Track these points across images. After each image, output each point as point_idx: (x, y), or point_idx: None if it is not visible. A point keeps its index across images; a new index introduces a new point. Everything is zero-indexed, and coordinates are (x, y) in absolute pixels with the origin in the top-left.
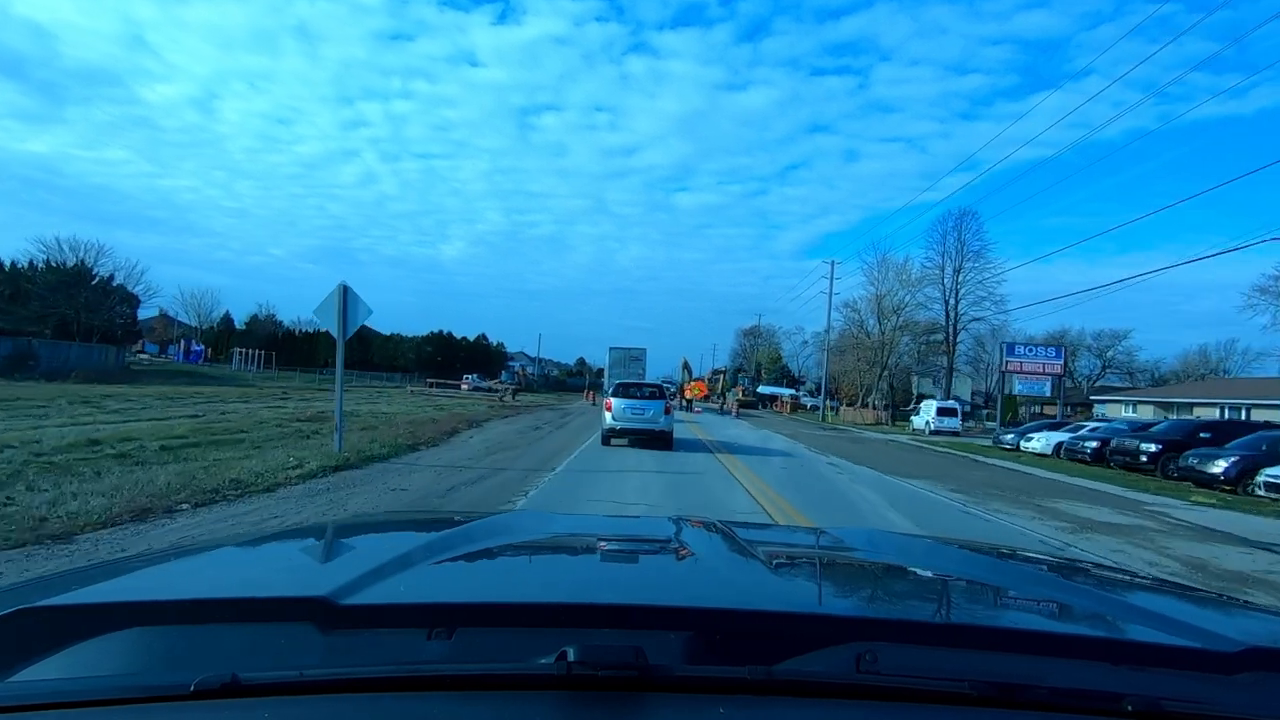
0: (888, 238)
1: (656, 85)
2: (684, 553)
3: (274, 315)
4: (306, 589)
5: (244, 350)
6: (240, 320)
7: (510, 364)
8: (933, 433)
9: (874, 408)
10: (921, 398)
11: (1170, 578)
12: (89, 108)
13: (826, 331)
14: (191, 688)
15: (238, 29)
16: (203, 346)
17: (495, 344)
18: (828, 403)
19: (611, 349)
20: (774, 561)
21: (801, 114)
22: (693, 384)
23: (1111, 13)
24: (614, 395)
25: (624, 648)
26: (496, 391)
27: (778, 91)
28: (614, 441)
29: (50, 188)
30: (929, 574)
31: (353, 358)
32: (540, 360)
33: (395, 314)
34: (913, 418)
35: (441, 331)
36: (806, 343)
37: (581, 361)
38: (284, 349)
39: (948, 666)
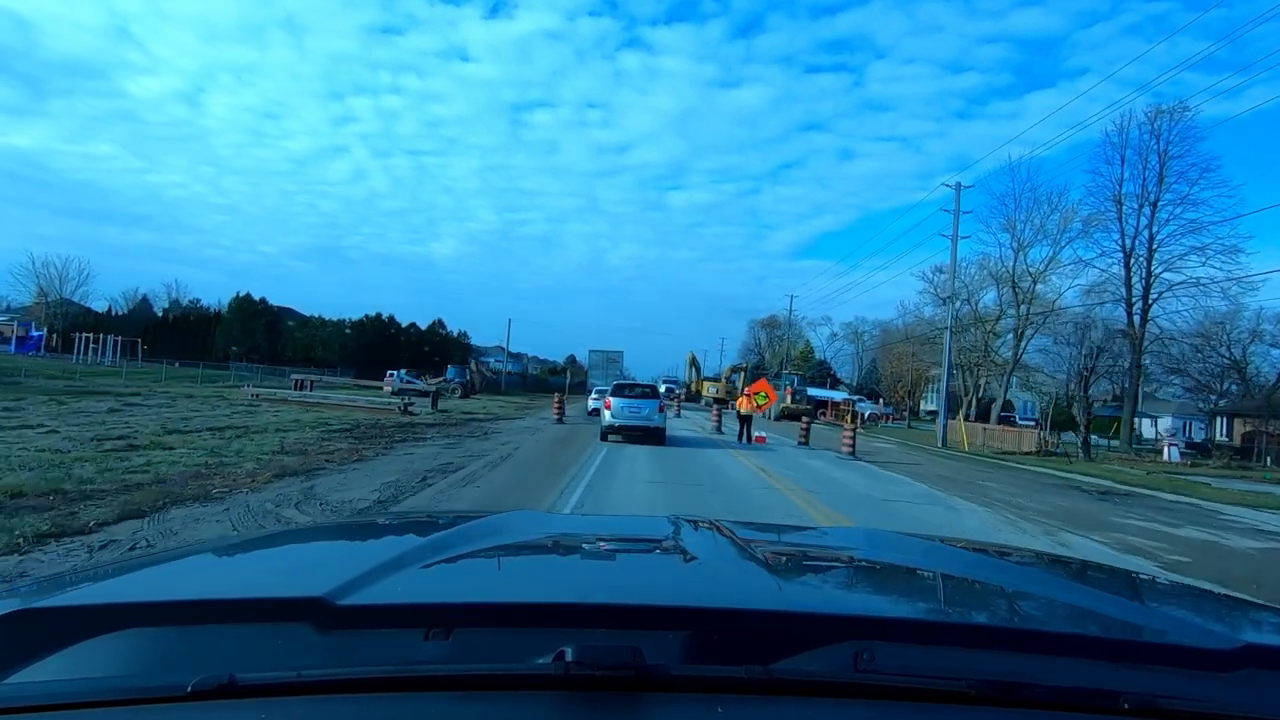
0: (1027, 159)
1: (650, 82)
2: (682, 552)
3: (199, 300)
4: (303, 589)
5: (97, 337)
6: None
7: (483, 359)
8: None
9: (1038, 428)
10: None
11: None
12: (71, 100)
13: (950, 300)
14: (189, 689)
15: (224, 21)
16: (42, 332)
17: (456, 333)
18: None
19: (591, 351)
20: (772, 561)
21: (795, 112)
22: (746, 387)
23: (1108, 11)
24: (612, 395)
25: (621, 648)
26: (424, 395)
27: (771, 89)
28: (610, 438)
29: (35, 183)
30: (927, 573)
31: (255, 347)
32: (520, 356)
33: (380, 310)
34: None
35: (378, 316)
36: (836, 335)
37: (572, 359)
38: (174, 335)
39: (945, 665)
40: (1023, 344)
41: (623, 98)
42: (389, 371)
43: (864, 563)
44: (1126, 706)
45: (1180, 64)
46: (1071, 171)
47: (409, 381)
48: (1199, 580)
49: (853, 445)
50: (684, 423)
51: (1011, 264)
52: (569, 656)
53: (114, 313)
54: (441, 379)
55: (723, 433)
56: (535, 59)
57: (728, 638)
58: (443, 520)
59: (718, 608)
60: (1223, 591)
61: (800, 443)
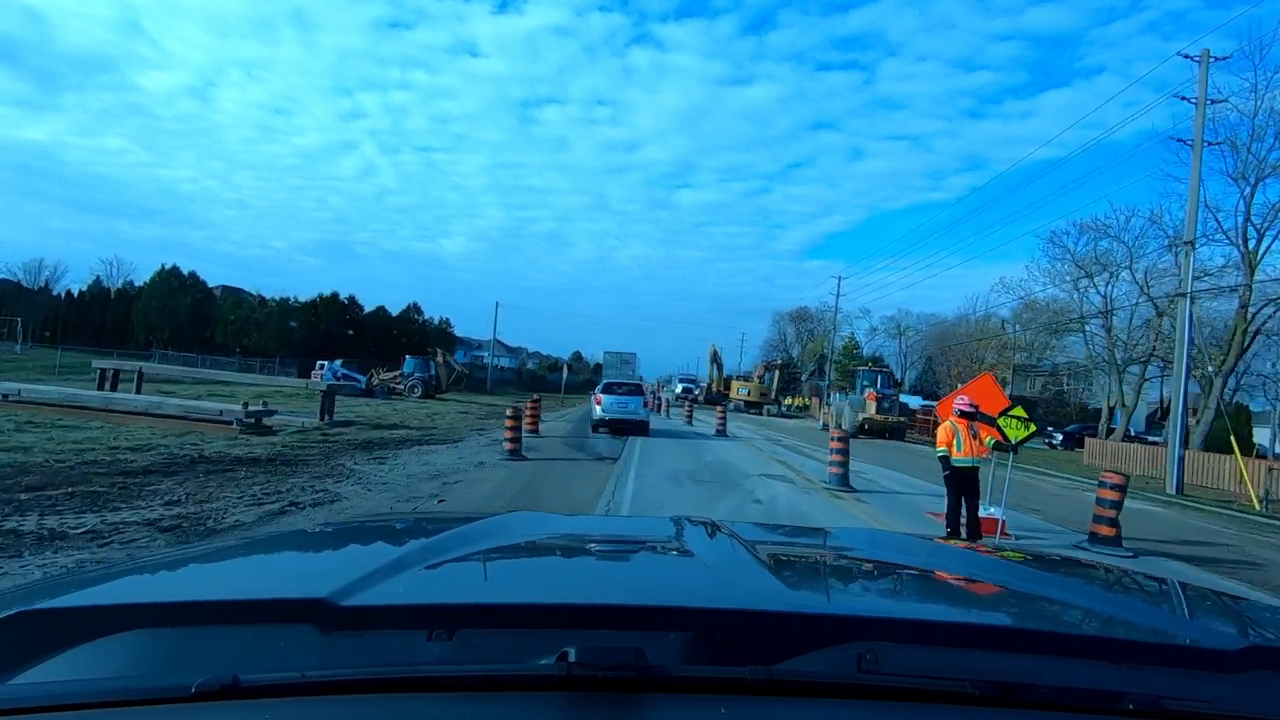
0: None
1: (659, 79)
2: (684, 553)
3: (163, 281)
4: (307, 590)
5: None
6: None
7: (476, 352)
8: None
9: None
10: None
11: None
12: (84, 94)
13: (1188, 245)
14: (192, 689)
15: (234, 16)
16: None
17: (437, 321)
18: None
19: (605, 353)
20: (775, 561)
21: (805, 110)
22: (958, 391)
23: (1126, 8)
24: (602, 393)
25: (625, 648)
26: (369, 394)
27: (781, 86)
28: (600, 430)
29: (48, 176)
30: (930, 573)
31: (179, 332)
32: (519, 350)
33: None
34: None
35: (334, 296)
36: (876, 330)
37: (578, 355)
38: (92, 317)
39: (949, 666)
40: (1250, 328)
41: (632, 95)
42: (319, 363)
43: (867, 563)
44: (1131, 707)
45: None
46: None
47: (346, 376)
48: None
49: None
50: (746, 451)
51: (1238, 210)
52: (572, 657)
53: (24, 287)
54: (396, 373)
55: (852, 487)
56: (544, 55)
57: (731, 638)
58: (445, 522)
59: (721, 608)
60: (1227, 591)
61: (1100, 534)
